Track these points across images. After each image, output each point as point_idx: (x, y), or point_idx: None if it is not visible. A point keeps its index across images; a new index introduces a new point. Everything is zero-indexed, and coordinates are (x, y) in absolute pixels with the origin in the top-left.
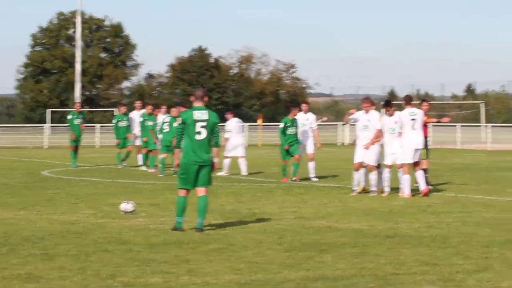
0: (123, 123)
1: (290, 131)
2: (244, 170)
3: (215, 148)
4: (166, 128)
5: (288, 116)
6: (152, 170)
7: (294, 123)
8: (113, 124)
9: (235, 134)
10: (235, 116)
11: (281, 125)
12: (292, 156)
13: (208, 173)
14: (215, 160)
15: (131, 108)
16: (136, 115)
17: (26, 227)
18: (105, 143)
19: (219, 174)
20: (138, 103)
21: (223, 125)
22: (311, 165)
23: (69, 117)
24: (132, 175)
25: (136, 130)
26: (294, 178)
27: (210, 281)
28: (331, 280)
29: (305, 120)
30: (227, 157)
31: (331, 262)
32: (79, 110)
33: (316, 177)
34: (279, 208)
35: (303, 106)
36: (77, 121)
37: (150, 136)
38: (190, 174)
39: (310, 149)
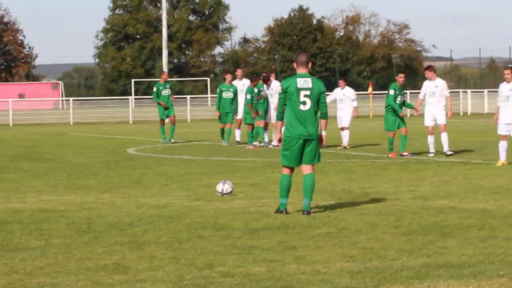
0: (228, 94)
1: (398, 99)
2: (345, 142)
3: (323, 120)
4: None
5: (396, 83)
6: (251, 147)
7: (402, 90)
8: (217, 95)
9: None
10: (347, 84)
11: (391, 92)
12: (399, 128)
13: (315, 149)
14: (323, 133)
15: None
16: (239, 85)
17: (111, 212)
18: (197, 116)
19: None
20: (239, 71)
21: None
22: (444, 137)
23: (154, 89)
24: (229, 152)
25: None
26: (405, 153)
27: (320, 270)
28: (455, 267)
29: (434, 87)
30: (344, 128)
31: (456, 247)
32: (166, 79)
33: (450, 150)
34: (394, 187)
35: (426, 72)
36: (165, 92)
37: (249, 110)
38: (295, 150)
39: (441, 119)
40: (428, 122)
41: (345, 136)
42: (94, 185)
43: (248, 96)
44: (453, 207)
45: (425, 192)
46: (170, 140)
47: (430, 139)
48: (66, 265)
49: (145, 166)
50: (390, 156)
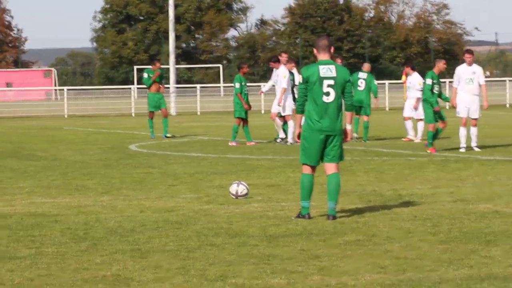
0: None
1: (436, 89)
2: (419, 136)
3: (348, 113)
4: (360, 86)
5: (434, 70)
6: (252, 143)
7: (439, 79)
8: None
9: (417, 92)
10: (414, 70)
11: (428, 81)
12: (439, 120)
13: (338, 145)
14: (349, 127)
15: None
16: (283, 72)
17: (111, 217)
18: (208, 108)
19: (404, 139)
20: (284, 56)
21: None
22: (474, 131)
23: (145, 75)
24: (244, 149)
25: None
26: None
27: (347, 282)
28: (501, 280)
29: (472, 73)
30: (406, 118)
31: (501, 257)
32: (158, 68)
33: (478, 147)
34: (432, 189)
35: (466, 56)
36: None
37: (239, 101)
38: (315, 146)
39: (475, 112)
40: (463, 112)
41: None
42: (92, 186)
43: (237, 85)
44: (498, 211)
45: (466, 194)
46: (165, 136)
47: (463, 131)
48: (60, 276)
49: (149, 165)
50: (428, 151)
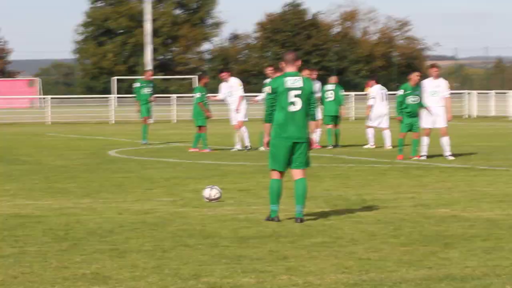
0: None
1: (411, 100)
2: (388, 144)
3: (312, 122)
4: (330, 97)
5: (409, 83)
6: (207, 150)
7: (416, 91)
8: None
9: (379, 102)
10: (377, 83)
11: (400, 92)
12: (411, 130)
13: (305, 152)
14: (313, 136)
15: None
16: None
17: (90, 218)
18: (183, 117)
19: (366, 147)
20: (270, 69)
21: (365, 94)
22: (445, 141)
23: (136, 84)
24: (217, 155)
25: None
26: (416, 157)
27: (313, 282)
28: (458, 281)
29: (436, 87)
30: (369, 127)
31: (458, 259)
32: (149, 78)
33: (452, 155)
34: (394, 194)
35: (433, 70)
36: (146, 91)
37: (201, 110)
38: (283, 153)
39: (442, 122)
40: (427, 123)
41: (387, 137)
42: (73, 189)
43: (198, 95)
44: (456, 215)
45: (427, 199)
46: (145, 142)
47: (426, 140)
48: (41, 274)
49: (128, 170)
50: (397, 158)
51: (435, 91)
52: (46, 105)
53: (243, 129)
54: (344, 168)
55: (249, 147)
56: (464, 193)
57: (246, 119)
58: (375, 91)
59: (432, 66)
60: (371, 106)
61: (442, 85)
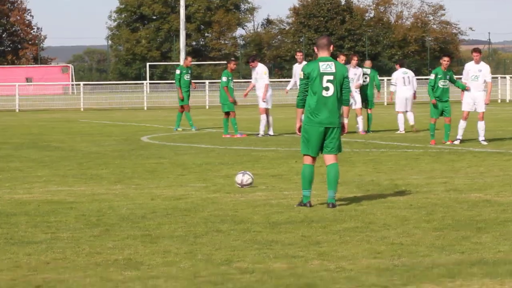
0: None
1: (441, 84)
2: (411, 120)
3: (345, 107)
4: (365, 81)
5: (441, 67)
6: (238, 136)
7: (447, 75)
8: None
9: (401, 86)
10: (401, 67)
11: (432, 76)
12: (442, 115)
13: (337, 137)
14: (345, 121)
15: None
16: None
17: (123, 204)
18: (216, 102)
19: (397, 132)
20: (299, 55)
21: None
22: (482, 125)
23: (177, 72)
24: (250, 141)
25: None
26: (448, 142)
27: (345, 267)
28: (490, 265)
29: (478, 71)
30: (399, 112)
31: (491, 243)
32: (189, 64)
33: (486, 140)
34: (426, 179)
35: (474, 54)
36: (187, 77)
37: (225, 94)
38: (315, 138)
39: (481, 106)
40: (467, 107)
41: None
42: (105, 175)
43: (224, 79)
44: (489, 200)
45: (459, 184)
46: (177, 129)
47: (463, 124)
48: (74, 260)
49: (160, 155)
50: (430, 144)
51: (476, 76)
52: (79, 91)
53: (263, 116)
54: (377, 153)
55: (262, 135)
56: (497, 177)
57: (270, 107)
58: (396, 76)
59: (474, 50)
60: (393, 93)
61: (484, 70)
